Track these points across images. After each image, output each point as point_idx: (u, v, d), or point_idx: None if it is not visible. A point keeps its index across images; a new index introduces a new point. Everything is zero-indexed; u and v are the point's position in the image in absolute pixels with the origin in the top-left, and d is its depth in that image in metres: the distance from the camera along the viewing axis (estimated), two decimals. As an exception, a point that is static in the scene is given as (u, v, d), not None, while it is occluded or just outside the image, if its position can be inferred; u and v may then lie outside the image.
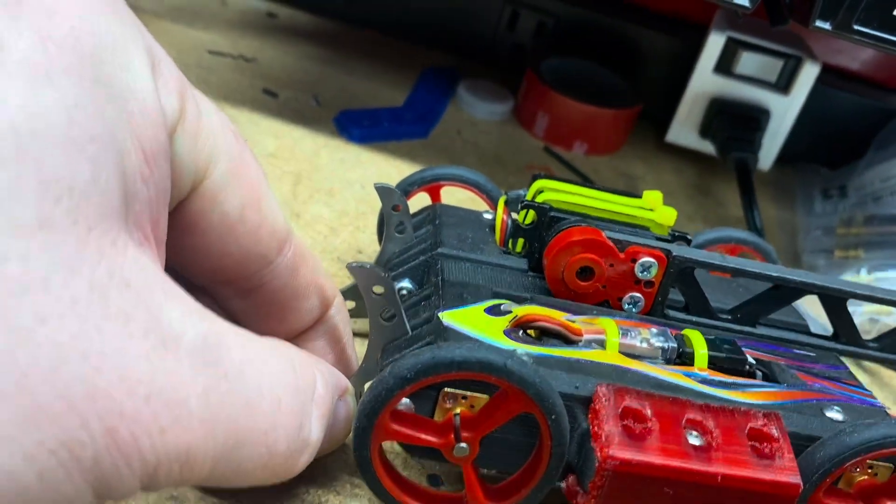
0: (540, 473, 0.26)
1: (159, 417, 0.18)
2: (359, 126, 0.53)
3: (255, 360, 0.22)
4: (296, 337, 0.29)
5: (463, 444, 0.26)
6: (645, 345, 0.29)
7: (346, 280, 0.39)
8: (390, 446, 0.31)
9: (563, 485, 0.27)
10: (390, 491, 0.26)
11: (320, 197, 0.47)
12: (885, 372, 0.46)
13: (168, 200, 0.22)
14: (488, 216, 0.38)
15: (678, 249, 0.32)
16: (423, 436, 0.26)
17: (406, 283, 0.34)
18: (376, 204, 0.36)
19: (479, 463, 0.27)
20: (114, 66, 0.19)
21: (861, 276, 0.49)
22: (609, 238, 0.31)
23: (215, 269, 0.26)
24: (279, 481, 0.25)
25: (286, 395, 0.23)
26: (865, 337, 0.36)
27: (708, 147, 0.59)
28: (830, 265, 0.52)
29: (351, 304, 0.35)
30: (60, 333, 0.16)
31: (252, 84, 0.56)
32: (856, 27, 0.40)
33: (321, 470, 0.31)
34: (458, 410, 0.26)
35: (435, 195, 0.40)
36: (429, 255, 0.34)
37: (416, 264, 0.34)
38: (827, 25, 0.41)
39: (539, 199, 0.35)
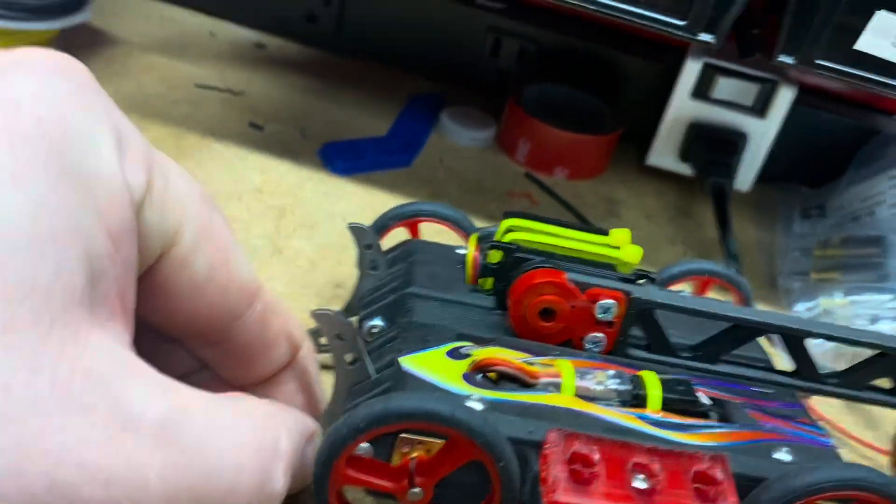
0: None
1: (118, 500, 0.19)
2: (342, 158, 0.54)
3: (216, 428, 0.23)
4: (265, 381, 0.30)
5: (416, 490, 0.27)
6: (600, 387, 0.30)
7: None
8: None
9: None
10: None
11: (303, 231, 0.48)
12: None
13: (135, 273, 0.23)
14: (461, 252, 0.39)
15: (638, 290, 0.33)
16: (378, 481, 0.27)
17: (378, 322, 0.35)
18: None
19: (434, 500, 0.28)
20: (80, 153, 0.20)
21: (836, 300, 0.50)
22: (570, 280, 0.32)
23: (185, 325, 0.27)
24: None
25: (249, 458, 0.24)
26: (838, 362, 0.36)
27: (688, 169, 0.60)
28: (807, 287, 0.53)
29: (324, 340, 0.36)
30: (23, 434, 0.18)
31: (240, 118, 0.57)
32: (818, 62, 0.41)
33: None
34: (414, 455, 0.27)
35: (413, 230, 0.42)
36: (399, 293, 0.35)
37: (387, 302, 0.35)
38: (790, 60, 0.42)
39: (508, 237, 0.36)
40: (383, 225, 0.41)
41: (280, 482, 0.25)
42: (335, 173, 0.54)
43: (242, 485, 0.23)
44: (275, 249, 0.46)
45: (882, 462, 0.42)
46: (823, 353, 0.45)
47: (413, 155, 0.57)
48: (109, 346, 0.20)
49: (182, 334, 0.28)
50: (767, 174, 0.61)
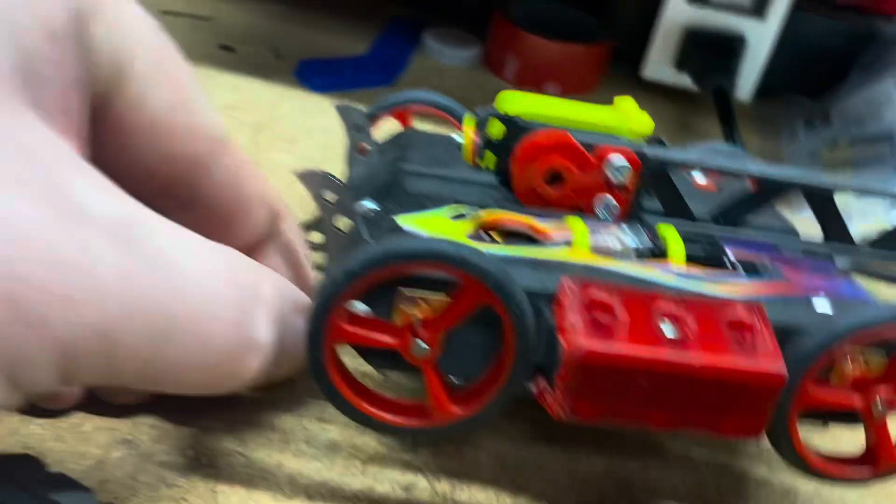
0: (505, 373, 0.24)
1: (68, 287, 0.16)
2: (320, 75, 0.51)
3: (184, 248, 0.20)
4: (247, 253, 0.27)
5: (421, 342, 0.24)
6: (616, 243, 0.27)
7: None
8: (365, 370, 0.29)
9: (534, 389, 0.25)
10: (346, 397, 0.24)
11: (282, 145, 0.45)
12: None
13: (83, 91, 0.21)
14: (458, 138, 0.36)
15: (652, 149, 0.30)
16: (379, 336, 0.24)
17: (369, 203, 0.32)
18: (341, 150, 0.35)
19: (443, 369, 0.25)
20: None
21: (849, 194, 0.48)
22: (578, 140, 0.30)
23: (149, 176, 0.24)
24: (231, 389, 0.23)
25: (222, 287, 0.21)
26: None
27: (685, 80, 0.57)
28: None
29: (317, 237, 0.33)
30: None
31: (208, 41, 0.54)
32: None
33: (294, 398, 0.30)
34: (416, 313, 0.24)
35: (404, 121, 0.39)
36: (392, 174, 0.32)
37: (379, 184, 0.32)
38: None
39: (510, 110, 0.33)
40: (372, 116, 0.38)
41: (263, 332, 0.22)
42: (313, 90, 0.51)
43: (216, 317, 0.20)
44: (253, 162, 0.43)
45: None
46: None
47: (395, 73, 0.54)
48: (52, 137, 0.17)
49: (148, 191, 0.25)
50: (768, 87, 0.58)
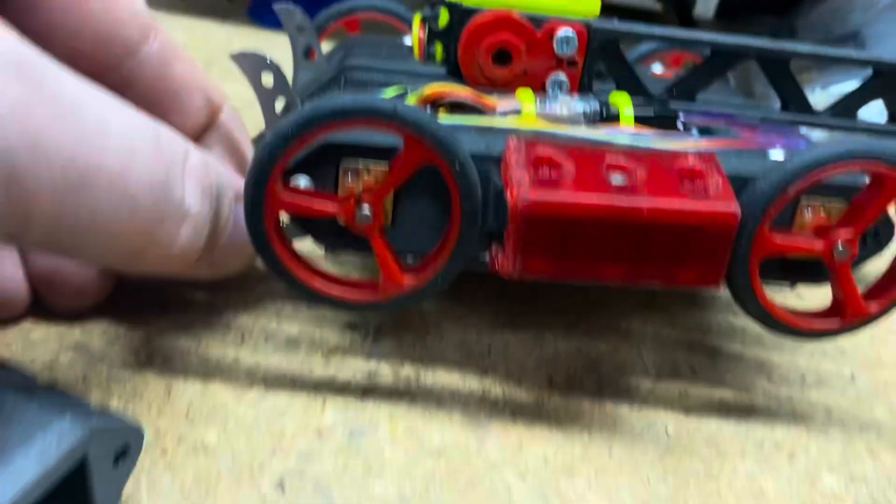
0: (454, 237, 0.23)
1: None
2: (273, 11, 0.50)
3: (96, 100, 0.19)
4: None
5: (364, 208, 0.23)
6: (565, 110, 0.27)
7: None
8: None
9: (488, 256, 0.24)
10: (292, 271, 0.23)
11: (234, 76, 0.44)
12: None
13: None
14: (407, 40, 0.35)
15: (599, 21, 0.29)
16: (321, 205, 0.23)
17: (311, 102, 0.31)
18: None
19: (396, 247, 0.24)
20: None
21: (816, 95, 0.47)
22: (523, 16, 0.29)
23: (71, 55, 0.23)
24: (165, 262, 0.22)
25: (143, 144, 0.20)
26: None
27: (647, 2, 0.56)
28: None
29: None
30: None
31: (158, -12, 0.53)
32: None
33: (252, 299, 0.29)
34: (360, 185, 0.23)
35: (353, 29, 0.38)
36: (338, 71, 0.31)
37: (324, 84, 0.31)
38: None
39: (454, -1, 0.32)
40: (320, 27, 0.37)
41: (192, 200, 0.21)
42: (267, 27, 0.50)
43: (136, 170, 0.19)
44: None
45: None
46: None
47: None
48: None
49: (76, 69, 0.24)
50: (732, 8, 0.58)
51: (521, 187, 0.22)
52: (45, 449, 0.17)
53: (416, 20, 0.34)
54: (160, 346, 0.26)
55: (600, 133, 0.25)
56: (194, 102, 0.26)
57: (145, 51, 0.24)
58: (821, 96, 0.46)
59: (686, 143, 0.25)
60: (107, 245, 0.20)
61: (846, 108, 0.32)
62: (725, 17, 0.59)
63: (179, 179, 0.21)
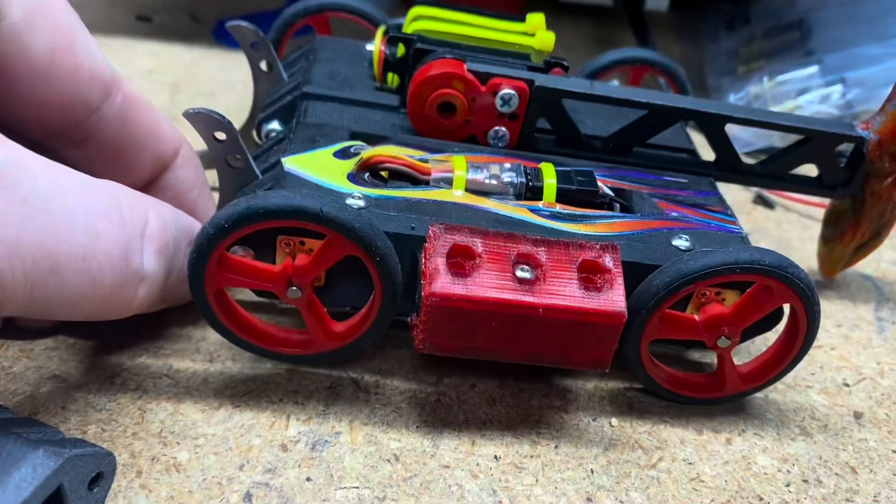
0: (375, 313, 0.26)
1: None
2: (237, 31, 0.51)
3: (66, 190, 0.21)
4: (145, 188, 0.28)
5: (294, 288, 0.25)
6: (494, 181, 0.28)
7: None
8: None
9: (410, 320, 0.26)
10: (232, 331, 0.27)
11: (201, 101, 0.46)
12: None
13: None
14: (370, 48, 0.36)
15: (542, 79, 0.31)
16: (257, 281, 0.25)
17: (275, 125, 0.33)
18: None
19: (327, 301, 0.27)
20: None
21: (763, 85, 0.49)
22: (471, 70, 0.30)
23: (38, 119, 0.25)
24: (120, 316, 0.24)
25: (106, 225, 0.22)
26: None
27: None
28: (734, 81, 0.51)
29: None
30: None
31: (125, 13, 0.54)
32: None
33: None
34: (296, 256, 0.25)
35: (322, 27, 0.39)
36: (295, 94, 0.33)
37: (284, 104, 0.33)
38: None
39: (413, 27, 0.33)
40: (288, 22, 0.38)
41: (151, 264, 0.24)
42: (231, 48, 0.51)
43: (101, 251, 0.22)
44: (172, 119, 0.44)
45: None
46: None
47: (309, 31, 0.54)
48: None
49: (38, 132, 0.26)
50: (686, -1, 0.59)
51: (433, 281, 0.24)
52: (21, 482, 0.19)
53: (379, 35, 0.35)
54: (133, 370, 0.28)
55: (521, 212, 0.27)
56: (151, 151, 0.28)
57: (106, 108, 0.26)
58: (767, 85, 0.48)
59: (600, 227, 0.27)
60: (70, 313, 0.22)
61: (777, 168, 0.33)
62: (680, 8, 0.61)
63: (138, 248, 0.23)
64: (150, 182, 0.28)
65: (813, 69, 0.47)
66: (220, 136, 0.27)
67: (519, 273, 0.24)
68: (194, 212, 0.29)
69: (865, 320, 0.36)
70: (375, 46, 0.34)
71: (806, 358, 0.33)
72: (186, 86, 0.47)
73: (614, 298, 0.24)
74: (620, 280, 0.25)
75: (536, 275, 0.25)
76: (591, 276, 0.25)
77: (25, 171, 0.20)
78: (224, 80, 0.48)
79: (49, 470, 0.20)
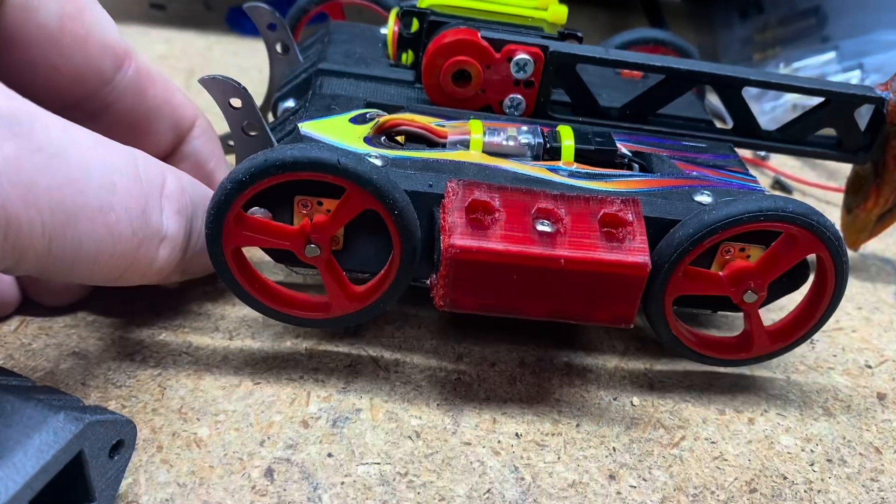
0: (394, 272, 0.26)
1: None
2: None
3: (79, 143, 0.21)
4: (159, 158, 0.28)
5: (313, 245, 0.25)
6: (511, 142, 0.28)
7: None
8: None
9: (429, 282, 0.26)
10: (250, 293, 0.26)
11: (216, 85, 0.46)
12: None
13: None
14: (384, 31, 0.36)
15: (557, 45, 0.30)
16: (274, 239, 0.25)
17: (291, 103, 0.33)
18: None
19: (344, 266, 0.26)
20: None
21: (780, 70, 0.48)
22: (484, 38, 0.30)
23: (50, 89, 0.25)
24: (142, 279, 0.24)
25: (123, 179, 0.22)
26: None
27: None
28: (750, 68, 0.51)
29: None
30: None
31: (139, 1, 0.54)
32: None
33: (229, 295, 0.31)
34: (314, 216, 0.25)
35: (336, 14, 0.39)
36: (310, 72, 0.33)
37: (299, 82, 0.33)
38: None
39: (426, 2, 0.33)
40: (303, 10, 0.38)
41: (170, 224, 0.23)
42: (245, 35, 0.51)
43: (118, 204, 0.21)
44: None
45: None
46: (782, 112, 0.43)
47: (325, 19, 0.54)
48: None
49: (52, 104, 0.25)
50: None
51: (452, 233, 0.23)
52: (42, 445, 0.19)
53: (392, 16, 0.35)
54: (153, 348, 0.28)
55: (539, 171, 0.27)
56: (167, 122, 0.28)
57: (119, 78, 0.26)
58: (784, 72, 0.47)
59: (620, 185, 0.27)
60: (91, 271, 0.22)
61: (796, 133, 0.33)
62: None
63: (157, 206, 0.23)
64: (168, 154, 0.28)
65: (830, 55, 0.47)
66: (236, 103, 0.27)
67: (539, 227, 0.24)
68: (211, 182, 0.29)
69: (886, 303, 0.35)
70: (389, 28, 0.34)
71: (827, 339, 0.33)
72: (201, 71, 0.46)
73: (637, 249, 0.24)
74: (643, 232, 0.24)
75: (557, 229, 0.24)
76: (612, 230, 0.25)
77: (39, 121, 0.20)
78: (238, 66, 0.48)
79: (70, 434, 0.19)
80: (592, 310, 0.25)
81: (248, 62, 0.48)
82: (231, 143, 0.33)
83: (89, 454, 0.20)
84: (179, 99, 0.28)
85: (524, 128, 0.29)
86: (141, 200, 0.22)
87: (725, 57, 0.54)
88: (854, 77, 0.45)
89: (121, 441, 0.22)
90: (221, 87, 0.26)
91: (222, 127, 0.29)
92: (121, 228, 0.22)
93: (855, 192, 0.35)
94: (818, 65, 0.47)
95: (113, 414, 0.21)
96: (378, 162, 0.26)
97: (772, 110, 0.45)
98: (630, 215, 0.25)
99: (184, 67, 0.47)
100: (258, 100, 0.37)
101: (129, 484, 0.23)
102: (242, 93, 0.27)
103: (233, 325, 0.29)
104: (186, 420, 0.25)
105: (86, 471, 0.21)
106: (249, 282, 0.26)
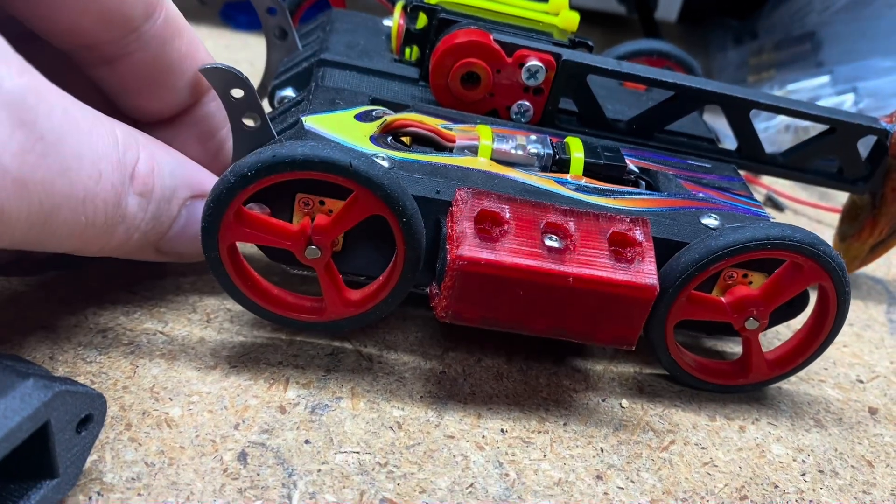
0: (395, 280, 0.25)
1: None
2: (245, 12, 0.51)
3: (77, 127, 0.20)
4: (167, 122, 0.27)
5: (314, 246, 0.24)
6: (520, 151, 0.27)
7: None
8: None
9: (428, 290, 0.25)
10: (243, 291, 0.25)
11: (206, 75, 0.45)
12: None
13: None
14: (388, 23, 0.36)
15: (570, 54, 0.30)
16: (274, 238, 0.24)
17: (289, 92, 0.32)
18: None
19: (342, 268, 0.25)
20: None
21: (774, 93, 0.48)
22: (496, 41, 0.29)
23: (75, 29, 0.24)
24: (96, 254, 0.23)
25: (107, 167, 0.21)
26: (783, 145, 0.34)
27: (612, 5, 0.58)
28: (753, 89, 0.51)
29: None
30: None
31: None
32: None
33: (209, 280, 0.30)
34: (315, 216, 0.24)
35: (338, 4, 0.39)
36: (311, 61, 0.32)
37: (300, 71, 0.32)
38: None
39: (435, -1, 0.33)
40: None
41: (132, 206, 0.23)
42: (238, 29, 0.51)
43: (100, 195, 0.21)
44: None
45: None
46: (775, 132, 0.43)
47: (324, 7, 0.54)
48: None
49: (72, 43, 0.24)
50: (696, 11, 0.59)
51: (461, 244, 0.23)
52: (7, 411, 0.18)
53: (398, 8, 0.35)
54: (127, 325, 0.27)
55: (548, 183, 0.26)
56: (186, 79, 0.26)
57: (147, 27, 0.24)
58: (778, 94, 0.47)
59: (628, 202, 0.27)
60: (55, 247, 0.21)
61: (799, 159, 0.32)
62: (688, 21, 0.61)
63: (126, 189, 0.22)
64: (180, 114, 0.27)
65: (824, 79, 0.47)
66: (237, 93, 0.26)
67: (548, 242, 0.23)
68: (220, 153, 0.28)
69: (877, 321, 0.35)
70: (394, 20, 0.34)
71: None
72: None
73: (646, 271, 0.23)
74: (651, 254, 0.24)
75: (566, 244, 0.24)
76: (620, 249, 0.24)
77: (44, 102, 0.19)
78: (230, 59, 0.47)
79: (38, 402, 0.18)
80: (595, 329, 0.24)
81: (241, 55, 0.48)
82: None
83: (56, 426, 0.19)
84: (203, 56, 0.27)
85: (533, 136, 0.28)
86: (119, 189, 0.22)
87: (720, 79, 0.54)
88: (847, 101, 0.46)
89: (89, 415, 0.20)
90: (222, 76, 0.25)
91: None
92: (96, 218, 0.21)
93: (850, 221, 0.35)
94: (812, 88, 0.47)
95: (83, 386, 0.20)
96: (385, 163, 0.25)
97: (764, 130, 0.45)
98: (639, 235, 0.24)
99: (174, 57, 0.46)
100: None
101: (94, 461, 0.22)
102: (244, 82, 0.26)
103: (211, 307, 0.28)
104: (158, 399, 0.24)
105: (51, 444, 0.19)
106: (242, 280, 0.25)
